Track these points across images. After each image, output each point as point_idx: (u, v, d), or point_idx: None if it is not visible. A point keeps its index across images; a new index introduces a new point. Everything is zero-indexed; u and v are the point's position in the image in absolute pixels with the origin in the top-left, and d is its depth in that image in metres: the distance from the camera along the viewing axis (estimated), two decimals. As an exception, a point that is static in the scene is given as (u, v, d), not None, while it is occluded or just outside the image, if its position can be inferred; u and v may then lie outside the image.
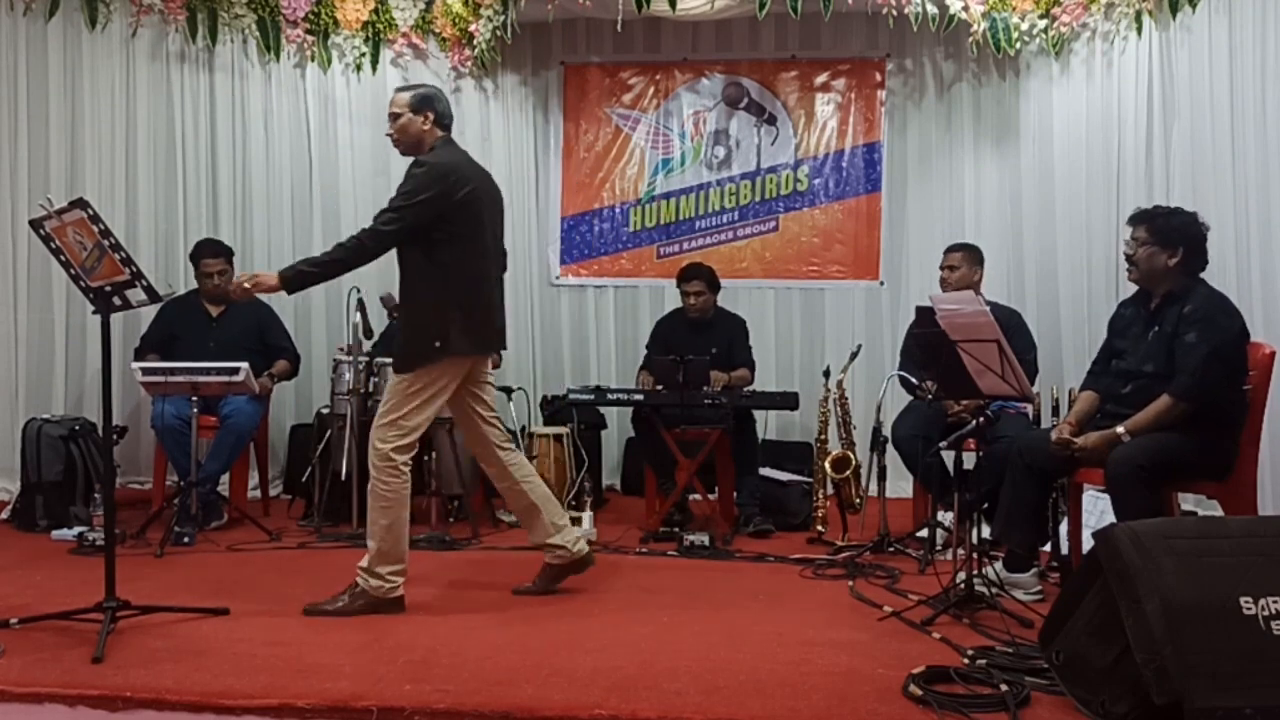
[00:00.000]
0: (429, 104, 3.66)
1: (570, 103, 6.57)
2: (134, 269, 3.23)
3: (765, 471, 5.28)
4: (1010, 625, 3.27)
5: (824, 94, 6.42)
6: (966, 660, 2.96)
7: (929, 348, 3.72)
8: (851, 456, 4.89)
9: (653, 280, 6.46)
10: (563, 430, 5.55)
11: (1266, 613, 2.47)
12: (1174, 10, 5.40)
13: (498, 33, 5.91)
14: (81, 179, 5.92)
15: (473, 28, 6.00)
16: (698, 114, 6.50)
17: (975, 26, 5.60)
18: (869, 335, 6.13)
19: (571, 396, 5.24)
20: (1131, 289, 3.95)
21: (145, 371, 4.74)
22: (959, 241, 5.19)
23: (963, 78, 6.19)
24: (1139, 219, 3.78)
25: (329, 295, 6.15)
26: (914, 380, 4.66)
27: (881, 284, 6.31)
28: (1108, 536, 2.62)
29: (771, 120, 6.45)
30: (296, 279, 3.60)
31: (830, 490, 4.89)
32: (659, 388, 5.08)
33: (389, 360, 4.41)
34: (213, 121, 6.17)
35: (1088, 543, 3.64)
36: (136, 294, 3.28)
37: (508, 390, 5.67)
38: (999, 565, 3.78)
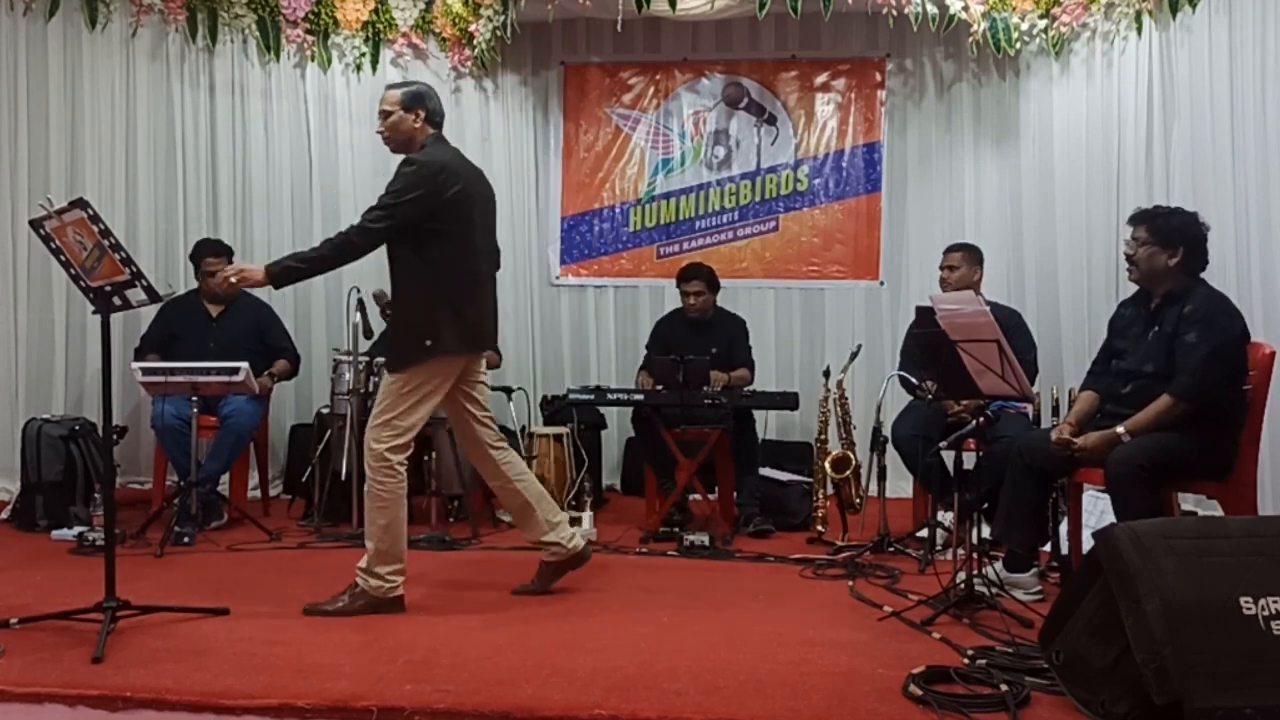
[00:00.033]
0: (420, 101, 3.65)
1: (570, 103, 6.57)
2: (134, 269, 3.23)
3: (765, 471, 5.28)
4: (1010, 625, 3.27)
5: (824, 94, 6.42)
6: (966, 660, 2.96)
7: (929, 348, 3.72)
8: (851, 456, 4.89)
9: (653, 280, 6.46)
10: (563, 430, 5.55)
11: (1266, 613, 2.47)
12: (1174, 10, 5.40)
13: (498, 33, 5.91)
14: (81, 179, 5.93)
15: (473, 28, 6.00)
16: (698, 114, 6.50)
17: (975, 26, 5.60)
18: (869, 335, 6.13)
19: (571, 396, 5.24)
20: (1132, 289, 3.95)
21: (145, 371, 4.74)
22: (959, 241, 5.19)
23: (963, 78, 6.19)
24: (1139, 219, 3.78)
25: (329, 295, 6.16)
26: (914, 380, 4.66)
27: (881, 284, 6.31)
28: (1108, 536, 2.62)
29: (771, 120, 6.45)
30: (283, 274, 3.58)
31: (830, 490, 4.89)
32: (659, 388, 5.08)
33: (389, 360, 4.41)
34: (213, 121, 6.17)
35: (1088, 543, 3.64)
36: (136, 294, 3.28)
37: (508, 390, 5.67)
38: (999, 565, 3.78)
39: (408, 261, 3.60)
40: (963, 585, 3.49)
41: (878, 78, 6.35)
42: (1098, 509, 4.18)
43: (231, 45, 6.15)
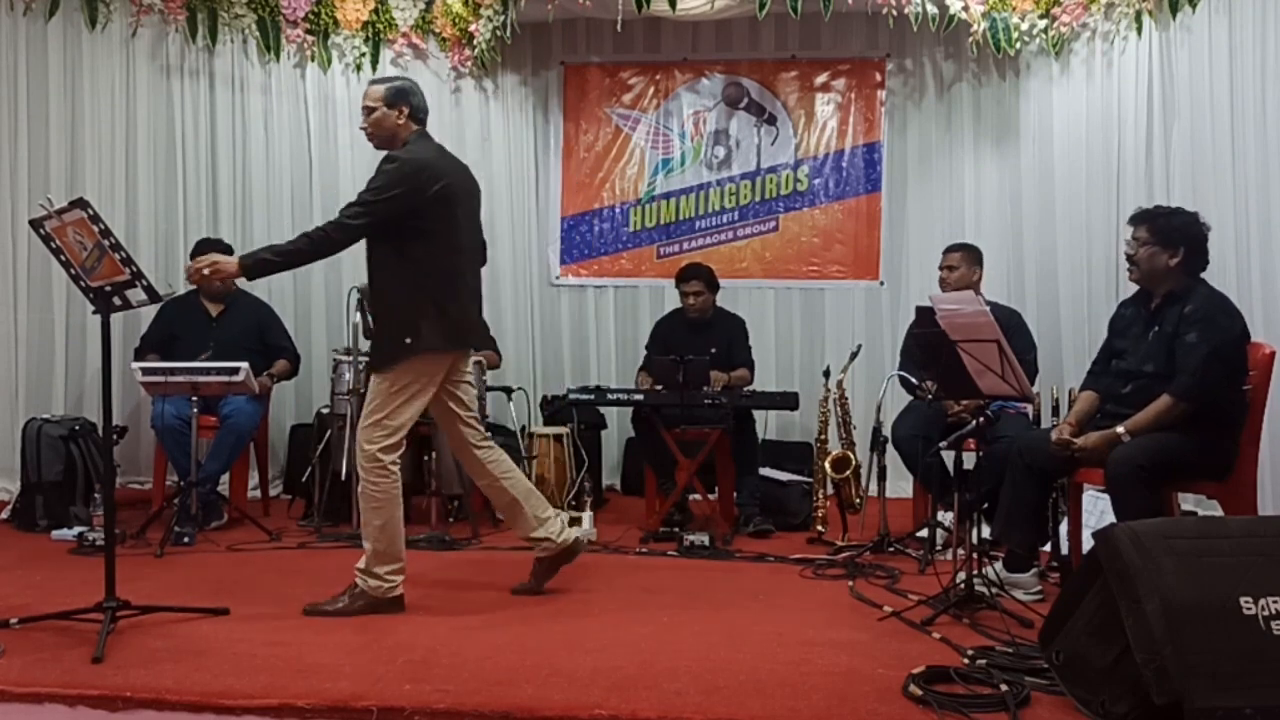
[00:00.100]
0: (404, 97, 3.61)
1: (570, 103, 6.57)
2: (134, 269, 3.23)
3: (765, 471, 5.28)
4: (1010, 625, 3.27)
5: (824, 94, 6.42)
6: (966, 660, 2.96)
7: (929, 348, 3.72)
8: (851, 456, 4.89)
9: (653, 280, 6.46)
10: (563, 430, 5.55)
11: (1266, 613, 2.47)
12: (1174, 10, 5.40)
13: (498, 33, 5.91)
14: (81, 179, 5.92)
15: (473, 28, 6.00)
16: (698, 114, 6.50)
17: (975, 26, 5.60)
18: (869, 335, 6.13)
19: (571, 396, 5.24)
20: (1132, 289, 3.95)
21: (145, 371, 4.74)
22: (958, 241, 5.19)
23: (963, 78, 6.19)
24: (1140, 219, 3.78)
25: (329, 295, 6.17)
26: (914, 380, 4.66)
27: (881, 284, 6.31)
28: (1108, 536, 2.62)
29: (771, 120, 6.45)
30: (257, 266, 3.56)
31: (830, 490, 4.88)
32: (659, 388, 5.08)
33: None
34: (213, 121, 6.17)
35: (1088, 543, 3.64)
36: (136, 294, 3.28)
37: (508, 390, 5.67)
38: (999, 565, 3.78)
39: (389, 259, 3.57)
40: (963, 585, 3.48)
41: (878, 78, 6.34)
42: (1098, 509, 4.18)
43: (231, 45, 6.14)
